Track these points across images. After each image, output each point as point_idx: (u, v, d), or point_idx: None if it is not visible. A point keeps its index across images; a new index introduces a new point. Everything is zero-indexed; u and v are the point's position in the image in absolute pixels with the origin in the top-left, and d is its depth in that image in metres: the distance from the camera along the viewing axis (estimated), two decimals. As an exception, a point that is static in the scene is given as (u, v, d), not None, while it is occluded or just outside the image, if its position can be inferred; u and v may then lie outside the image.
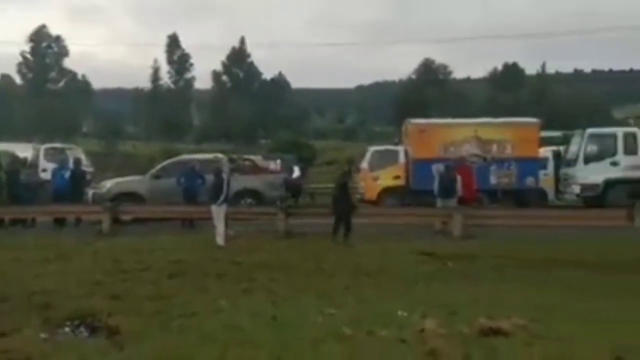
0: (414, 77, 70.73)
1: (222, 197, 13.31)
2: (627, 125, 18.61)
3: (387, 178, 18.75)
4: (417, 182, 17.96)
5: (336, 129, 74.47)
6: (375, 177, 19.00)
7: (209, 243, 13.11)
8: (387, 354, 6.17)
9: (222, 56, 74.79)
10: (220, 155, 19.01)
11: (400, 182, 18.58)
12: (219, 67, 74.66)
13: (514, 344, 6.48)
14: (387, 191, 18.55)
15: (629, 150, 17.50)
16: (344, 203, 13.38)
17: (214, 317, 7.34)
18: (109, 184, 18.13)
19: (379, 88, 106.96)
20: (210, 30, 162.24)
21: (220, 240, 13.05)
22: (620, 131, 18.11)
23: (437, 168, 16.86)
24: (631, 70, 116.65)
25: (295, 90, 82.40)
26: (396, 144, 20.82)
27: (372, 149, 20.27)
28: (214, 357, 5.87)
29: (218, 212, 13.27)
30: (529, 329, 7.00)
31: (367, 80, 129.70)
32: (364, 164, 19.56)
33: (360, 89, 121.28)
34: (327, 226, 14.16)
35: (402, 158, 18.77)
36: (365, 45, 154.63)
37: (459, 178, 15.58)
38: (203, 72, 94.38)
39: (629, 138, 17.62)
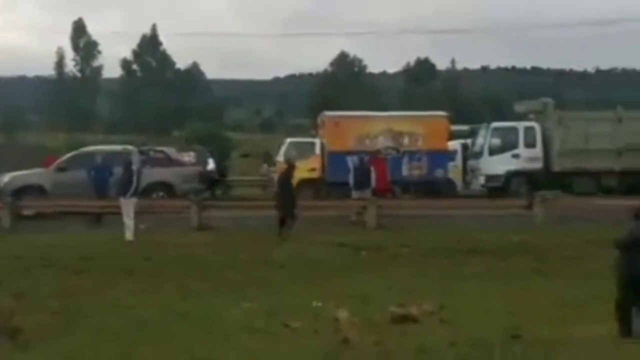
0: (329, 69, 71.46)
1: (131, 190, 12.82)
2: (528, 119, 19.68)
3: (303, 170, 18.83)
4: (333, 174, 18.18)
5: (253, 121, 73.97)
6: (291, 170, 19.04)
7: (117, 238, 12.62)
8: (300, 345, 6.19)
9: (133, 44, 72.11)
10: (129, 147, 18.30)
11: (316, 174, 18.74)
12: (129, 56, 71.90)
13: (423, 329, 6.72)
14: (303, 183, 18.64)
15: (529, 143, 18.62)
16: (287, 198, 13.06)
17: (121, 314, 7.09)
18: (6, 178, 16.98)
19: (296, 80, 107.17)
20: (120, 17, 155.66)
21: (129, 234, 12.59)
22: (521, 125, 19.20)
23: (352, 160, 17.15)
24: (532, 68, 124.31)
25: (210, 81, 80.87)
26: (314, 136, 20.96)
27: (288, 141, 20.29)
28: (122, 355, 5.66)
29: (127, 205, 12.78)
30: (437, 314, 7.30)
31: (283, 72, 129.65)
32: (280, 156, 19.54)
33: (277, 80, 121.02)
34: (243, 219, 14.06)
35: (318, 150, 18.92)
36: (282, 37, 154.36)
37: (373, 170, 15.92)
38: (112, 60, 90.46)
39: (529, 132, 18.72)
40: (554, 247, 11.50)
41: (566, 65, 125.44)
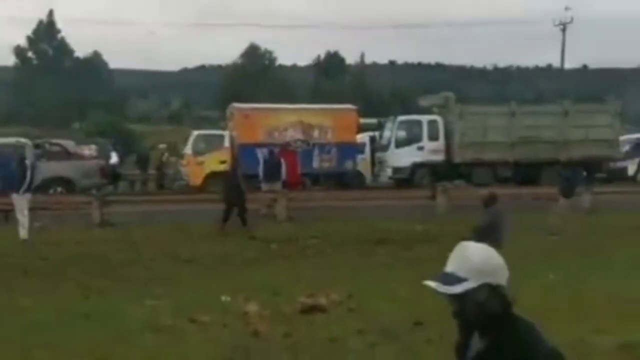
0: (239, 61, 70.57)
1: (24, 186, 11.98)
2: (431, 113, 20.44)
3: (213, 163, 18.50)
4: (243, 167, 17.98)
5: (160, 113, 71.57)
6: (200, 162, 18.63)
7: (11, 236, 11.78)
8: (208, 340, 6.09)
9: (28, 30, 67.39)
10: (23, 140, 17.12)
11: (226, 167, 18.44)
12: (23, 42, 67.12)
13: (332, 319, 6.82)
14: (212, 176, 18.31)
15: (433, 136, 19.37)
16: (235, 191, 12.79)
17: (17, 317, 6.64)
18: None
19: (205, 72, 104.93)
20: (15, 1, 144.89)
21: (23, 232, 11.77)
22: (425, 119, 19.92)
23: (262, 153, 17.06)
24: (437, 64, 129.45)
25: (113, 71, 77.30)
26: (223, 128, 20.61)
27: (196, 133, 19.82)
28: (14, 362, 5.30)
29: (20, 202, 11.93)
30: (345, 303, 7.44)
31: (192, 63, 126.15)
32: (188, 149, 19.05)
33: (185, 72, 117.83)
34: (147, 214, 13.59)
35: (227, 143, 18.64)
36: (191, 27, 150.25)
37: (283, 162, 15.94)
38: (5, 48, 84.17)
39: (433, 125, 19.47)
40: (455, 235, 12.03)
41: (467, 62, 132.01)
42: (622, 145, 21.05)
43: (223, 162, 18.43)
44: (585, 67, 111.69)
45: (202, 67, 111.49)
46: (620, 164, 20.70)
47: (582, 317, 6.77)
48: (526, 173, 19.08)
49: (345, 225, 13.14)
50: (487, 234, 6.56)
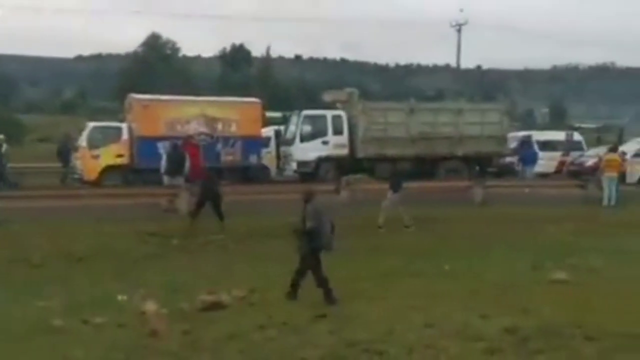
0: (140, 50, 67.82)
1: None
2: (335, 108, 20.76)
3: (109, 156, 17.66)
4: (142, 161, 17.33)
5: (52, 103, 67.27)
6: (96, 156, 17.69)
7: None
8: (102, 342, 5.85)
9: None
10: None
11: (124, 160, 17.70)
12: None
13: (233, 315, 6.78)
14: (108, 170, 17.49)
15: (337, 131, 19.68)
16: (211, 189, 12.57)
17: None
18: None
19: (102, 60, 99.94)
20: None
21: None
22: (329, 113, 20.17)
23: (164, 146, 16.53)
24: (342, 60, 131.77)
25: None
26: (122, 120, 19.71)
27: (92, 125, 18.78)
28: None
29: None
30: (247, 299, 7.42)
31: (88, 51, 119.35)
32: (83, 142, 18.05)
33: (80, 59, 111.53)
34: (37, 210, 12.76)
35: (125, 135, 17.86)
36: (88, 13, 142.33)
37: (187, 156, 15.55)
38: None
39: (337, 120, 19.77)
40: (356, 227, 12.38)
41: (371, 59, 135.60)
42: (510, 142, 22.54)
43: (120, 155, 17.67)
44: (479, 67, 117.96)
45: (98, 56, 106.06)
46: (508, 160, 22.13)
47: (471, 303, 7.20)
48: (425, 167, 19.90)
49: (249, 219, 13.06)
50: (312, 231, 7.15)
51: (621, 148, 19.25)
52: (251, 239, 11.41)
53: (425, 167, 19.88)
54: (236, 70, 66.98)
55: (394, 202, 12.88)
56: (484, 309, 6.93)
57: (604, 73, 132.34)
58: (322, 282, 7.21)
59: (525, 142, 23.36)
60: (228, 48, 73.95)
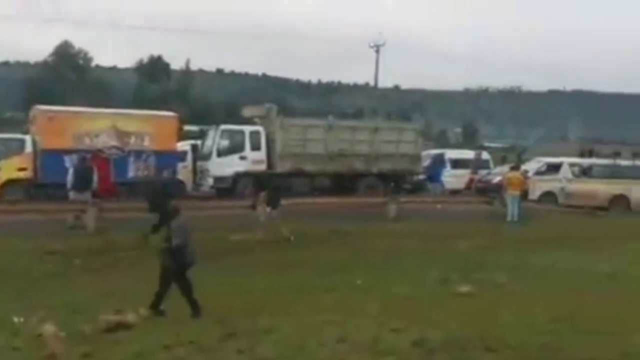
0: (49, 59, 64.67)
1: None
2: (254, 123, 20.71)
3: (10, 170, 16.62)
4: (47, 175, 16.45)
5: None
6: (-5, 169, 16.61)
7: None
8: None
9: None
10: None
11: (27, 174, 16.71)
12: None
13: (138, 335, 6.50)
14: (9, 184, 16.45)
15: (255, 146, 19.59)
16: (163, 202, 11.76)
17: None
18: None
19: (10, 68, 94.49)
20: None
21: None
22: (247, 129, 20.08)
23: (71, 159, 15.77)
24: (264, 75, 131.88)
25: None
26: (26, 132, 18.63)
27: (-9, 136, 17.65)
28: None
29: None
30: (155, 318, 7.14)
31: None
32: (-18, 153, 16.87)
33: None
34: None
35: (29, 148, 16.87)
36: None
37: (95, 170, 14.91)
38: None
39: (255, 135, 19.70)
40: (272, 242, 12.33)
41: (293, 76, 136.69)
42: (424, 160, 23.37)
43: (22, 169, 16.68)
44: (397, 87, 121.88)
45: (5, 64, 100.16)
46: (422, 177, 22.92)
47: (382, 317, 7.30)
48: (343, 184, 20.21)
49: (160, 236, 12.63)
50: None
51: (523, 167, 20.44)
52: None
53: (343, 183, 20.19)
54: (154, 82, 65.33)
55: (273, 217, 12.88)
56: (395, 322, 7.04)
57: (511, 96, 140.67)
58: (190, 297, 7.26)
59: (438, 160, 24.38)
60: (145, 59, 72.01)
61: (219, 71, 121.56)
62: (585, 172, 20.65)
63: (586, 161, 23.45)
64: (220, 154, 19.21)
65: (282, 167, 19.54)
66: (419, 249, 12.34)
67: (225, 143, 19.46)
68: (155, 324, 6.93)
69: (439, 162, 24.19)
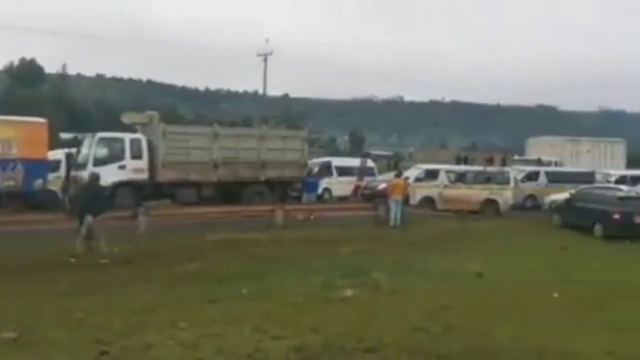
0: None
1: None
2: (135, 131, 19.85)
3: None
4: None
5: None
6: None
7: None
8: None
9: None
10: None
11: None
12: None
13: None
14: None
15: (135, 155, 18.74)
16: (93, 206, 11.89)
17: None
18: None
19: None
20: None
21: None
22: (127, 136, 19.17)
23: None
24: (148, 81, 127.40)
25: None
26: None
27: None
28: None
29: None
30: (19, 340, 6.57)
31: None
32: None
33: None
34: None
35: None
36: None
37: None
38: None
39: (135, 143, 18.84)
40: (153, 255, 11.85)
41: (179, 82, 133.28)
42: (312, 167, 23.68)
43: None
44: (286, 95, 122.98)
45: None
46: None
47: (264, 325, 7.24)
48: (229, 192, 19.90)
49: (25, 250, 11.71)
50: None
51: (405, 173, 21.35)
52: (30, 273, 10.22)
53: (230, 191, 19.89)
54: (25, 86, 60.80)
55: (91, 225, 12.02)
56: (277, 330, 7.02)
57: (395, 106, 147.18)
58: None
59: (325, 168, 24.83)
60: (16, 62, 67.00)
61: (99, 76, 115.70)
62: (460, 179, 21.96)
63: (461, 168, 24.97)
64: (97, 162, 18.14)
65: (164, 176, 18.85)
66: (305, 255, 12.43)
67: (102, 151, 18.42)
68: (18, 346, 6.37)
69: (325, 170, 24.64)
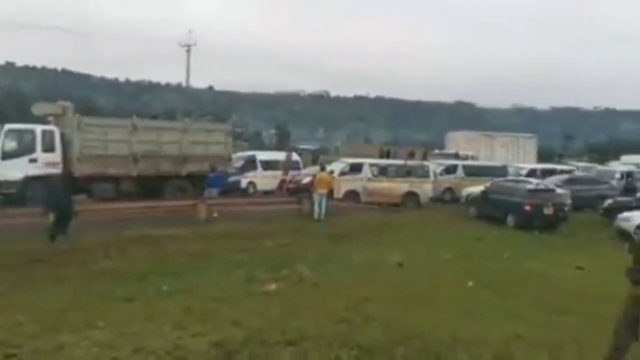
0: None
1: None
2: (48, 123, 18.83)
3: None
4: None
5: None
6: None
7: None
8: None
9: None
10: None
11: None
12: None
13: None
14: None
15: (48, 148, 17.78)
16: (65, 200, 12.19)
17: None
18: None
19: None
20: None
21: None
22: (39, 128, 18.14)
23: None
24: (64, 70, 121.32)
25: None
26: None
27: None
28: None
29: None
30: None
31: None
32: None
33: None
34: None
35: None
36: None
37: None
38: None
39: (48, 136, 17.86)
40: (69, 253, 11.35)
41: (98, 73, 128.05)
42: (236, 162, 23.41)
43: None
44: (211, 87, 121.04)
45: None
46: (235, 179, 22.92)
47: (185, 322, 7.10)
48: (149, 187, 19.33)
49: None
50: None
51: (330, 168, 21.57)
52: None
53: (150, 186, 19.32)
54: None
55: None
56: (197, 327, 6.91)
57: (321, 101, 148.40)
58: None
59: (250, 162, 24.67)
60: None
61: (9, 64, 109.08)
62: (383, 172, 22.46)
63: (384, 162, 25.54)
64: (6, 156, 17.08)
65: (81, 170, 18.01)
66: (229, 250, 12.33)
67: (11, 144, 17.35)
68: None
69: (250, 164, 24.48)
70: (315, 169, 22.53)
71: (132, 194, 18.90)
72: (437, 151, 37.14)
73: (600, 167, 34.57)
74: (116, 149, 18.67)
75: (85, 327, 6.91)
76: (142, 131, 19.38)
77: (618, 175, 26.74)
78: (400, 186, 21.97)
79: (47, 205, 12.45)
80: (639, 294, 4.82)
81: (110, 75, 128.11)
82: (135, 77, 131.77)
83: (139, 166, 19.04)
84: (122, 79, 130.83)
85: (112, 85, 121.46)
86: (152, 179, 19.38)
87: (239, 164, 23.85)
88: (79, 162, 17.99)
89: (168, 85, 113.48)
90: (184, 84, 49.67)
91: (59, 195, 12.87)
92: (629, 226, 16.47)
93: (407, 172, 22.63)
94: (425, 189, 22.31)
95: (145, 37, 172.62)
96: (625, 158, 40.83)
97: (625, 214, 17.09)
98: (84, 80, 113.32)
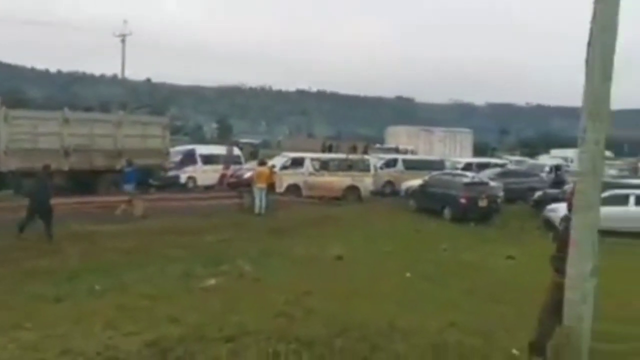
0: None
1: None
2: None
3: None
4: None
5: None
6: None
7: None
8: None
9: None
10: None
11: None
12: None
13: None
14: None
15: None
16: (44, 198, 12.20)
17: None
18: None
19: None
20: None
21: None
22: None
23: None
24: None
25: None
26: None
27: None
28: None
29: None
30: None
31: None
32: None
33: None
34: None
35: None
36: None
37: None
38: None
39: None
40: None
41: (28, 63, 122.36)
42: (174, 156, 22.88)
43: None
44: (149, 80, 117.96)
45: None
46: (173, 173, 22.42)
47: (118, 321, 6.86)
48: (82, 182, 18.63)
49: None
50: None
51: (271, 162, 21.44)
52: None
53: (83, 181, 18.62)
54: None
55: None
56: (130, 326, 6.67)
57: (263, 94, 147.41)
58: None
59: (189, 156, 24.16)
60: None
61: None
62: (324, 166, 22.53)
63: (325, 156, 25.63)
64: None
65: (8, 164, 17.15)
66: (166, 246, 12.04)
67: None
68: None
69: (189, 158, 23.99)
70: (254, 163, 22.35)
71: (63, 189, 18.14)
72: (377, 145, 37.63)
73: (531, 161, 36.02)
74: (46, 142, 17.88)
75: (11, 328, 6.57)
76: (74, 124, 18.64)
77: (547, 169, 27.90)
78: (342, 180, 22.12)
79: None
80: (560, 281, 5.00)
81: (40, 65, 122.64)
82: (67, 68, 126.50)
83: (71, 160, 18.32)
84: (53, 69, 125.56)
85: (43, 76, 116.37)
86: (85, 173, 18.70)
87: (177, 158, 23.32)
88: (6, 155, 17.15)
89: (102, 77, 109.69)
90: (120, 76, 48.10)
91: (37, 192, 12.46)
92: (555, 217, 17.13)
93: (348, 166, 22.79)
94: (366, 183, 22.55)
95: (79, 27, 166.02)
96: (555, 152, 42.72)
97: (553, 205, 17.81)
98: (12, 71, 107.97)
